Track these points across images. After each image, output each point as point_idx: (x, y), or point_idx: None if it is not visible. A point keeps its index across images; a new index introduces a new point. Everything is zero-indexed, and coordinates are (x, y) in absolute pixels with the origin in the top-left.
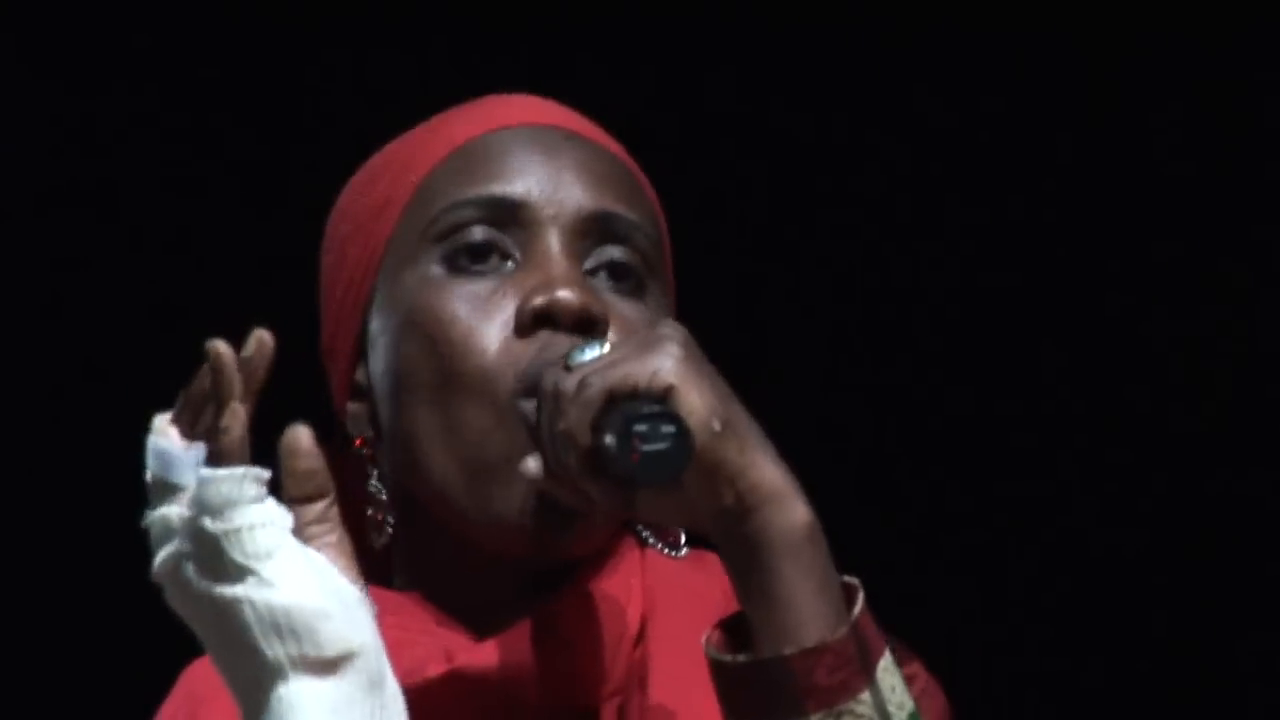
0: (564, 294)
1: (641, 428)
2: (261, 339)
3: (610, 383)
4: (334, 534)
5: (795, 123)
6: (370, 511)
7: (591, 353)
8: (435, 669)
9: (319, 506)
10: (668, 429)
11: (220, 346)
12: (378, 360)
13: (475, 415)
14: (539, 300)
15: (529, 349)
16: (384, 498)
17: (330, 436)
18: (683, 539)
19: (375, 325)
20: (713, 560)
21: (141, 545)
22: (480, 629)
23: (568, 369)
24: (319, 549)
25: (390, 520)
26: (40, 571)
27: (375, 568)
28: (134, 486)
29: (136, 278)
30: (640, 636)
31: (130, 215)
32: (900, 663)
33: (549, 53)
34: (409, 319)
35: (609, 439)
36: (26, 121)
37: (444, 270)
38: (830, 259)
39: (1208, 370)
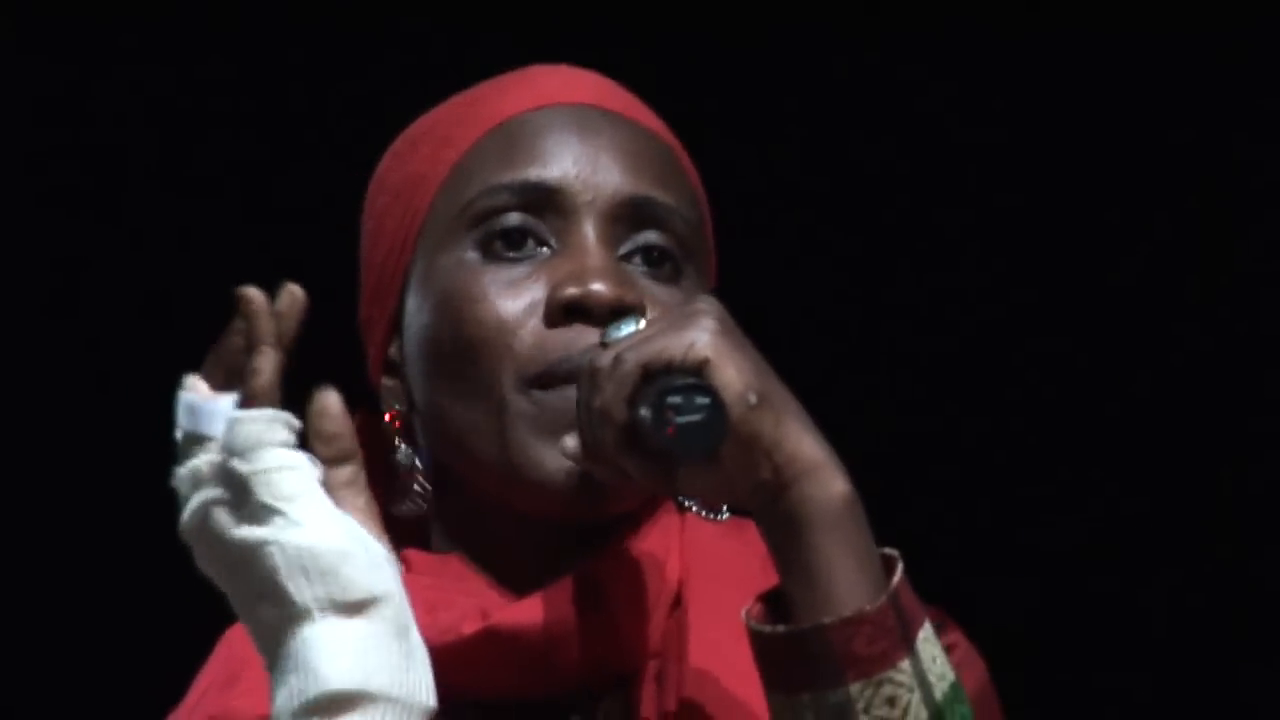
0: (597, 286)
1: (676, 399)
2: (293, 292)
3: (645, 357)
4: (361, 497)
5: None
6: (399, 477)
7: (627, 329)
8: (470, 627)
9: (347, 470)
10: (702, 400)
11: (252, 292)
12: (411, 340)
13: (501, 395)
14: (572, 291)
15: (559, 339)
16: (416, 464)
17: (359, 407)
18: (724, 504)
19: (410, 305)
20: (751, 528)
21: (162, 532)
22: (517, 589)
23: (603, 345)
24: (347, 512)
25: (423, 487)
26: (57, 557)
27: (400, 541)
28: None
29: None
30: (678, 601)
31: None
32: (940, 633)
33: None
34: (442, 302)
35: (644, 412)
36: (25, 110)
37: (479, 255)
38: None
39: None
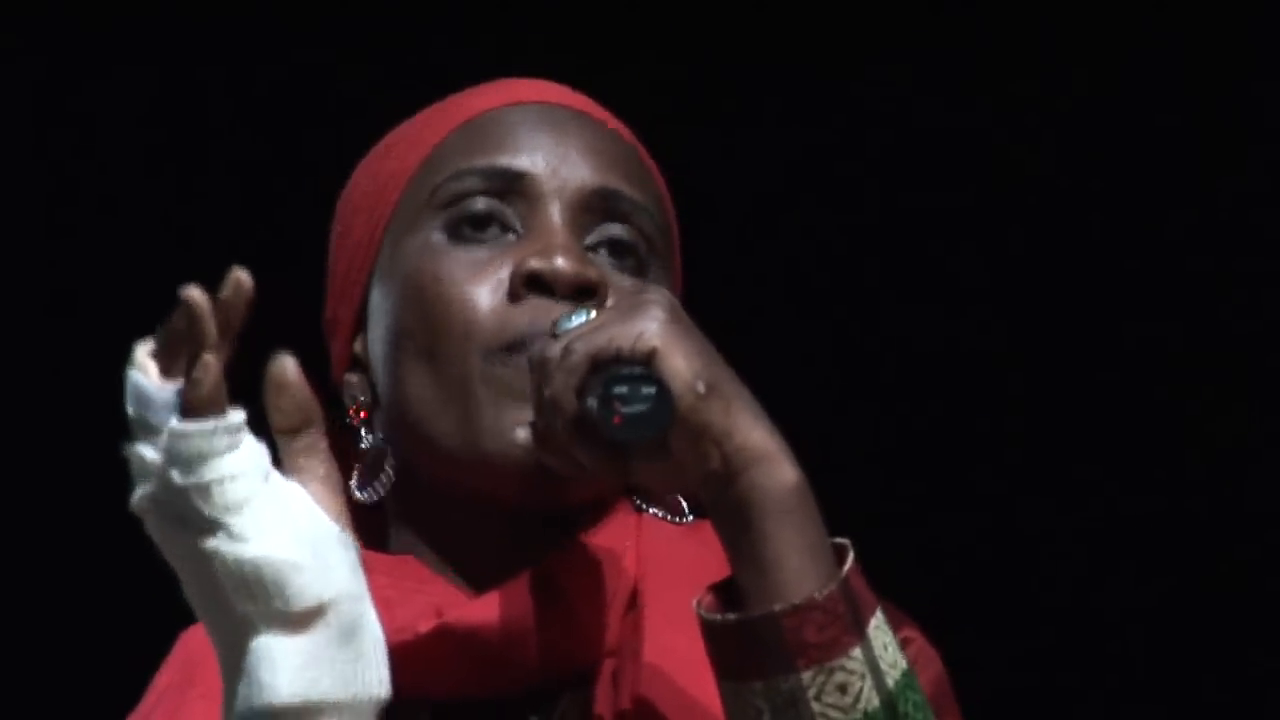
0: (560, 261)
1: (621, 389)
2: (239, 279)
3: (593, 347)
4: (322, 466)
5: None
6: (358, 466)
7: (578, 320)
8: (425, 625)
9: (306, 438)
10: (648, 390)
11: (194, 293)
12: (376, 326)
13: (462, 368)
14: (534, 264)
15: (522, 313)
16: (385, 455)
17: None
18: (686, 507)
19: (376, 294)
20: (709, 530)
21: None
22: (474, 586)
23: (554, 336)
24: (305, 483)
25: (388, 472)
26: (34, 543)
27: (364, 534)
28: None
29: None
30: (634, 600)
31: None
32: (895, 627)
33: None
34: (407, 283)
35: (591, 402)
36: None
37: (444, 237)
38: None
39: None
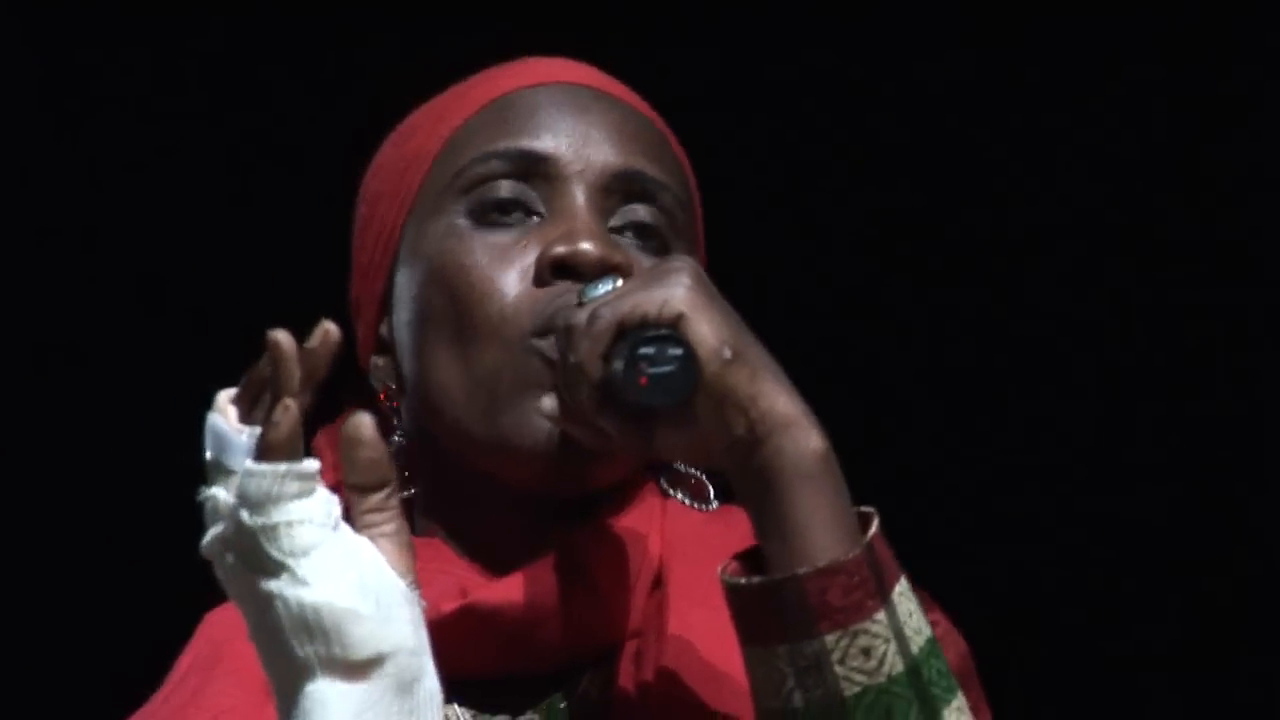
0: (585, 245)
1: (648, 350)
2: (328, 331)
3: (620, 313)
4: (391, 524)
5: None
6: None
7: (604, 287)
8: (449, 605)
9: (378, 496)
10: (674, 351)
11: (281, 336)
12: (401, 310)
13: (491, 355)
14: (560, 250)
15: (548, 297)
16: (405, 445)
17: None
18: (712, 493)
19: (400, 277)
20: (734, 514)
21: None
22: (498, 566)
23: (580, 304)
24: (374, 539)
25: (404, 473)
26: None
27: None
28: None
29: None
30: (658, 581)
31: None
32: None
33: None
34: (432, 267)
35: (617, 364)
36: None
37: (469, 221)
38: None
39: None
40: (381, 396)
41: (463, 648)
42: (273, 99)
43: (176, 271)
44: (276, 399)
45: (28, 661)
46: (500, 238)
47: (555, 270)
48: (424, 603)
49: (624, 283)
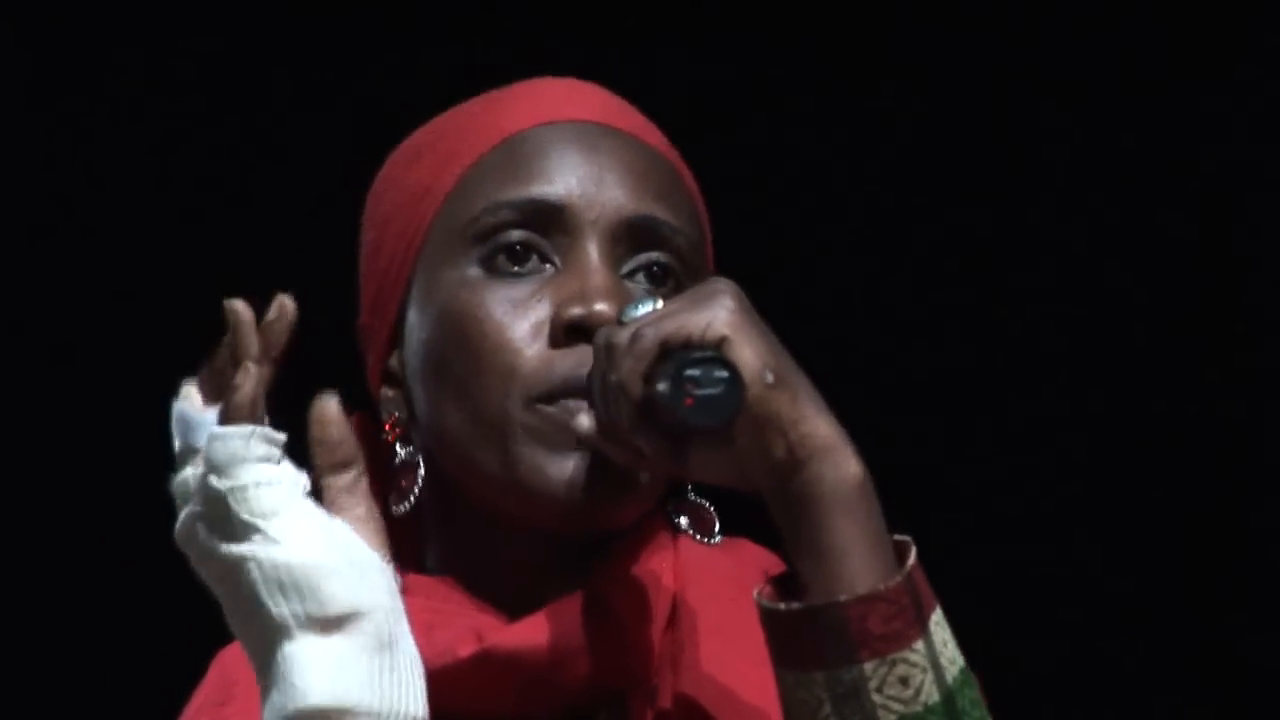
0: (600, 306)
1: (695, 372)
2: (283, 304)
3: (664, 334)
4: (362, 506)
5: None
6: (399, 481)
7: (645, 308)
8: (465, 650)
9: (347, 477)
10: (720, 374)
11: (238, 305)
12: (412, 354)
13: (505, 413)
14: (576, 311)
15: (564, 360)
16: (417, 466)
17: (357, 411)
18: (716, 526)
19: (412, 318)
20: (741, 545)
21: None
22: (513, 609)
23: (620, 324)
24: (346, 520)
25: (418, 488)
26: (52, 569)
27: (396, 561)
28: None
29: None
30: (673, 616)
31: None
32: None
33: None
34: (445, 318)
35: (662, 385)
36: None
37: (482, 272)
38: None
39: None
40: (386, 427)
41: (479, 691)
42: (270, 99)
43: (174, 273)
44: (237, 362)
45: (30, 691)
46: (514, 291)
47: (571, 331)
48: (399, 578)
49: (665, 303)
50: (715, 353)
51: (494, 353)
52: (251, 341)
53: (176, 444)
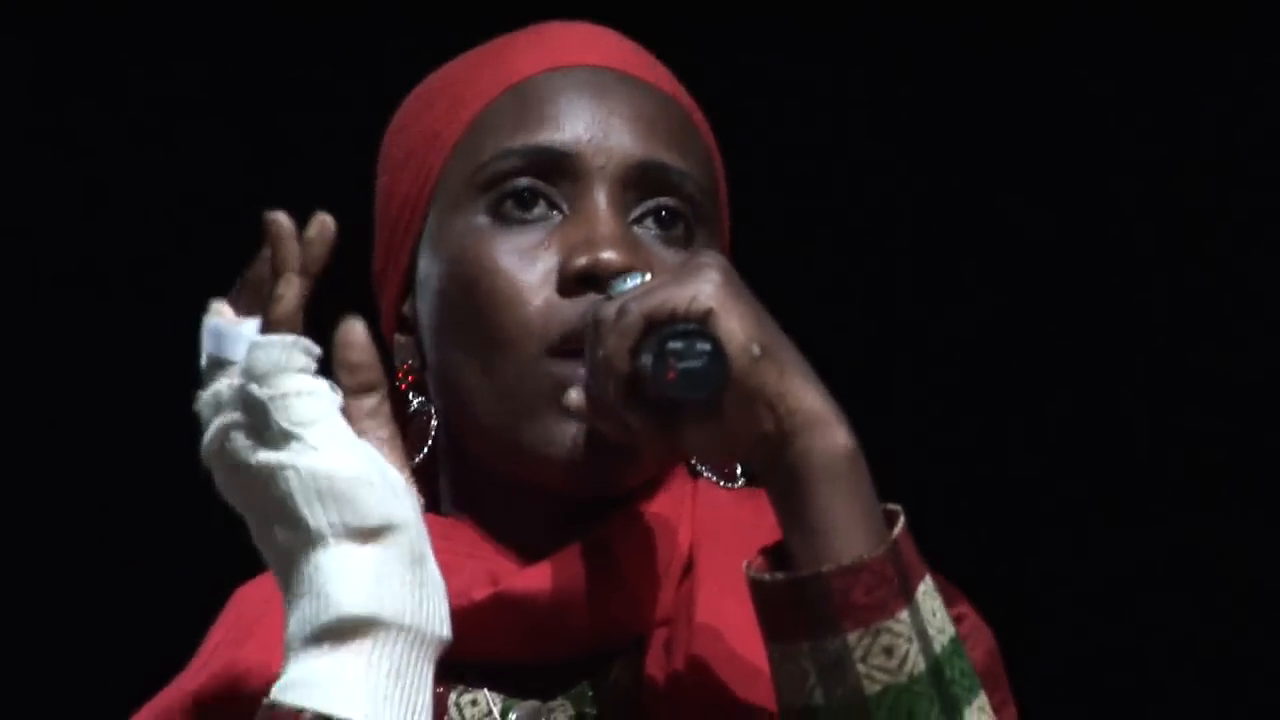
0: (607, 254)
1: (677, 345)
2: (324, 221)
3: (649, 307)
4: (385, 429)
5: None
6: (412, 430)
7: (632, 281)
8: (480, 592)
9: (372, 400)
10: (703, 346)
11: (280, 217)
12: (424, 301)
13: (513, 367)
14: (582, 261)
15: (573, 308)
16: (430, 417)
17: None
18: (739, 469)
19: (423, 264)
20: (764, 497)
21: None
22: (528, 554)
23: (608, 298)
24: (370, 443)
25: (431, 437)
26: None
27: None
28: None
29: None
30: (689, 568)
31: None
32: (948, 601)
33: None
34: (454, 267)
35: (646, 359)
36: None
37: (490, 220)
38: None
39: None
40: (399, 375)
41: (493, 633)
42: (271, 88)
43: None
44: (278, 274)
45: (45, 645)
46: (522, 239)
47: (579, 280)
48: (421, 500)
49: (652, 277)
50: (699, 326)
51: (503, 305)
52: (294, 252)
53: (205, 358)
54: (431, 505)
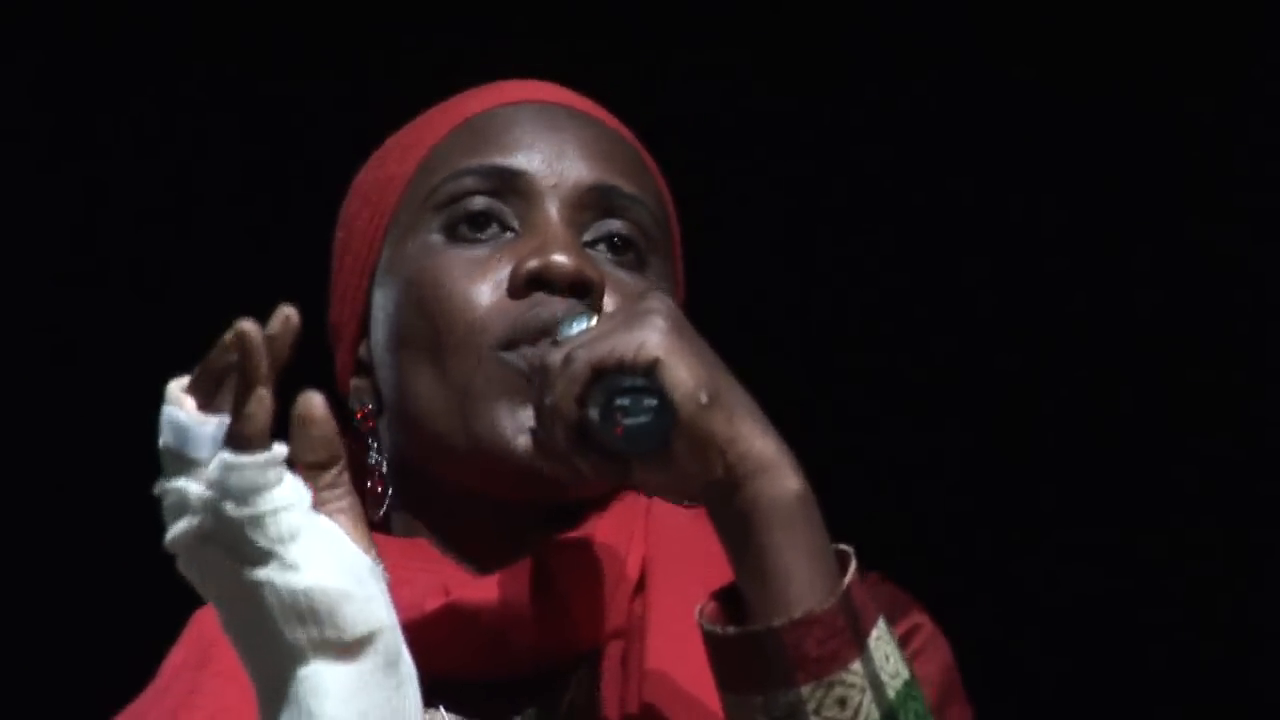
0: (558, 257)
1: (624, 401)
2: (288, 316)
3: (595, 356)
4: (345, 499)
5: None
6: (369, 484)
7: (579, 326)
8: (433, 603)
9: (331, 472)
10: (650, 402)
11: (249, 327)
12: (379, 330)
13: (466, 365)
14: (533, 263)
15: (522, 306)
16: (383, 469)
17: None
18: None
19: (378, 295)
20: None
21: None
22: (480, 569)
23: (555, 344)
24: (331, 515)
25: (388, 490)
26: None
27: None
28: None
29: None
30: (641, 584)
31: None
32: (900, 617)
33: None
34: (408, 285)
35: (593, 412)
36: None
37: (443, 238)
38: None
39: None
40: (359, 416)
41: (445, 646)
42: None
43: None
44: (249, 389)
45: (14, 658)
46: (475, 253)
47: (529, 283)
48: (388, 575)
49: (598, 320)
50: (645, 381)
51: (454, 311)
52: (263, 365)
53: (164, 446)
54: (385, 529)
